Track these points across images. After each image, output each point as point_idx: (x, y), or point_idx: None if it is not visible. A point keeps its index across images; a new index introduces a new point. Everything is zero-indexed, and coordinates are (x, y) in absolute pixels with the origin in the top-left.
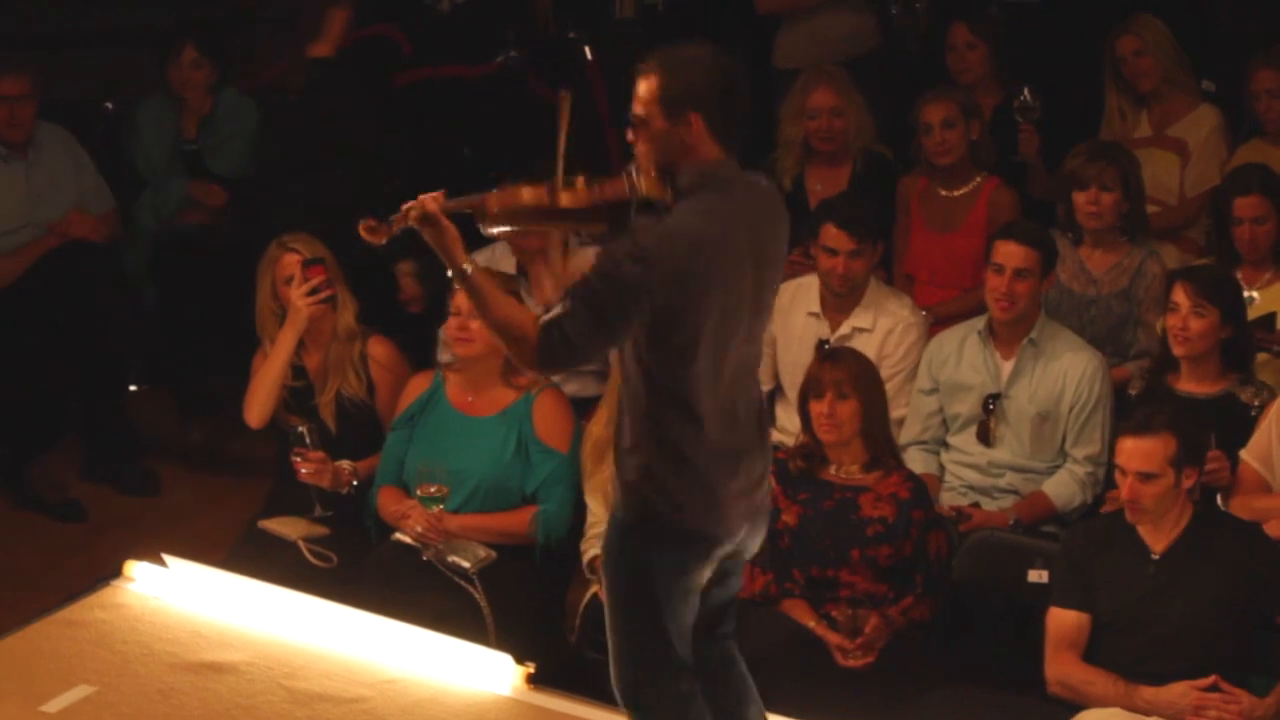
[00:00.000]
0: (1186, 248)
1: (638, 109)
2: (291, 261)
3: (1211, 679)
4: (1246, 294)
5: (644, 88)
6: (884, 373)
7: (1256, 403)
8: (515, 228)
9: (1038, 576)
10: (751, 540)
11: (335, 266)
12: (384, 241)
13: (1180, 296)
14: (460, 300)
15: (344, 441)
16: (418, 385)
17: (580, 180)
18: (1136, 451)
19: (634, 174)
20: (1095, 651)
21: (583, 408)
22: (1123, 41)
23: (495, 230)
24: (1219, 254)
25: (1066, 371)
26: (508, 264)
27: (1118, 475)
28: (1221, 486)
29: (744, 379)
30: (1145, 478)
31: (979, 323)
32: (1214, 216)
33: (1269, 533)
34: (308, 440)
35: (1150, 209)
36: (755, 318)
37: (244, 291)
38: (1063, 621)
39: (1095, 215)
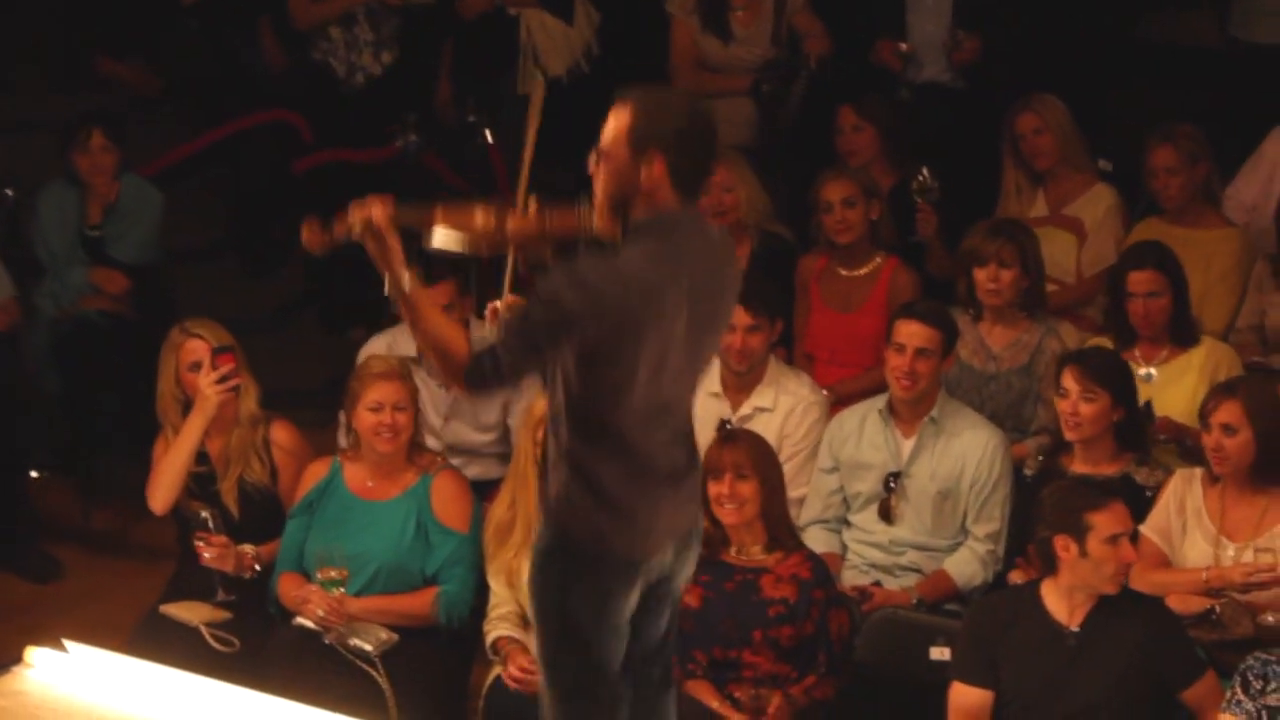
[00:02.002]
0: (1084, 325)
1: (605, 140)
2: (195, 348)
3: None
4: (1144, 371)
5: (614, 121)
6: (785, 452)
7: (1152, 483)
8: (457, 249)
9: (940, 654)
10: (681, 565)
11: (240, 352)
12: (321, 252)
13: (1070, 382)
14: (382, 393)
15: (246, 526)
16: (315, 472)
17: (533, 207)
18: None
19: (587, 210)
20: None
21: (485, 490)
22: (1023, 119)
23: (437, 248)
24: (1115, 331)
25: (967, 449)
26: (409, 347)
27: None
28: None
29: (672, 414)
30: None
31: (879, 401)
32: (1110, 293)
33: (1170, 606)
34: (210, 525)
35: (1048, 288)
36: (690, 360)
37: (145, 378)
38: (966, 698)
39: (995, 292)
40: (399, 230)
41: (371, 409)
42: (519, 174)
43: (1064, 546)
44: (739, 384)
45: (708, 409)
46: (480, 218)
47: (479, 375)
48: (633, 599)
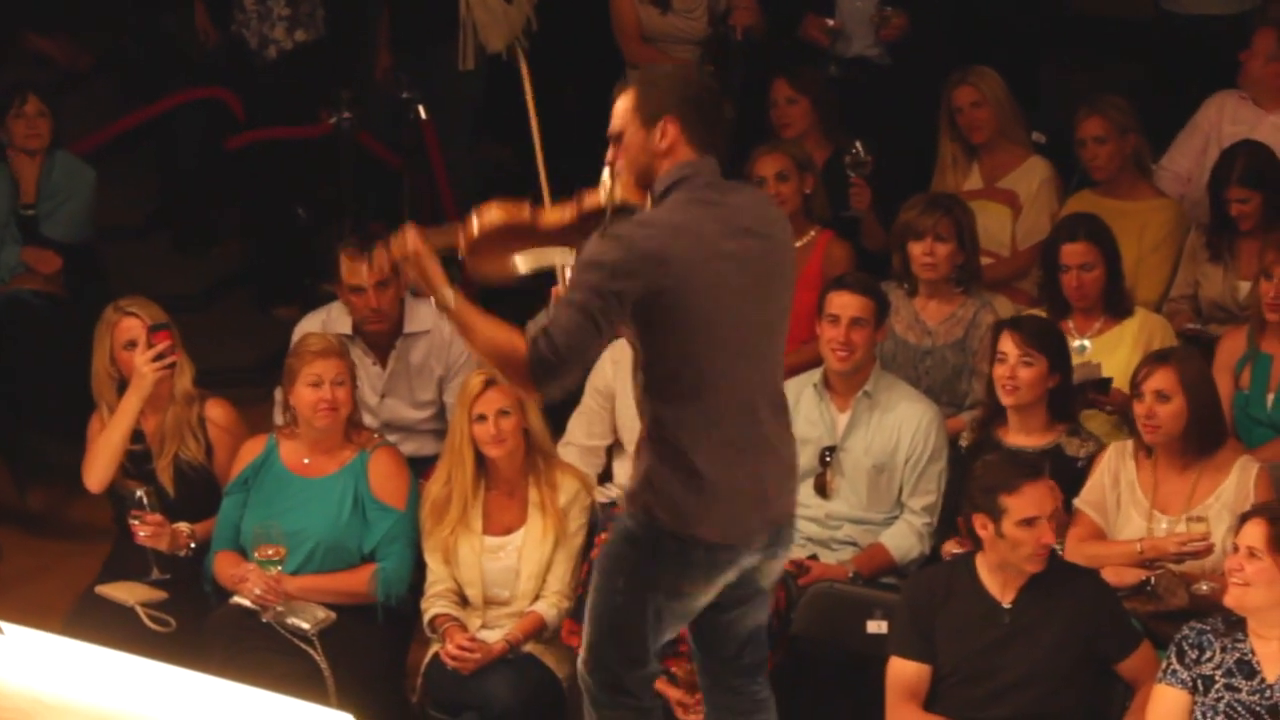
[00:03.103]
0: (1019, 299)
1: (615, 124)
2: (130, 326)
3: None
4: (1078, 343)
5: (621, 103)
6: None
7: (1083, 454)
8: (501, 257)
9: (877, 627)
10: (771, 561)
11: (176, 330)
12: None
13: (1008, 346)
14: (321, 369)
15: (182, 504)
16: (251, 450)
17: (564, 200)
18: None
19: (610, 182)
20: (936, 699)
21: (421, 467)
22: (960, 92)
23: (483, 266)
24: (1049, 303)
25: (902, 423)
26: (344, 324)
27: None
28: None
29: (757, 371)
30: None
31: (814, 375)
32: (1044, 265)
33: (1106, 579)
34: (145, 503)
35: (983, 261)
36: (762, 311)
37: (79, 357)
38: (903, 672)
39: (930, 266)
40: (436, 253)
41: (311, 384)
42: (536, 162)
43: (982, 525)
44: None
45: None
46: (514, 217)
47: (542, 365)
48: (713, 588)
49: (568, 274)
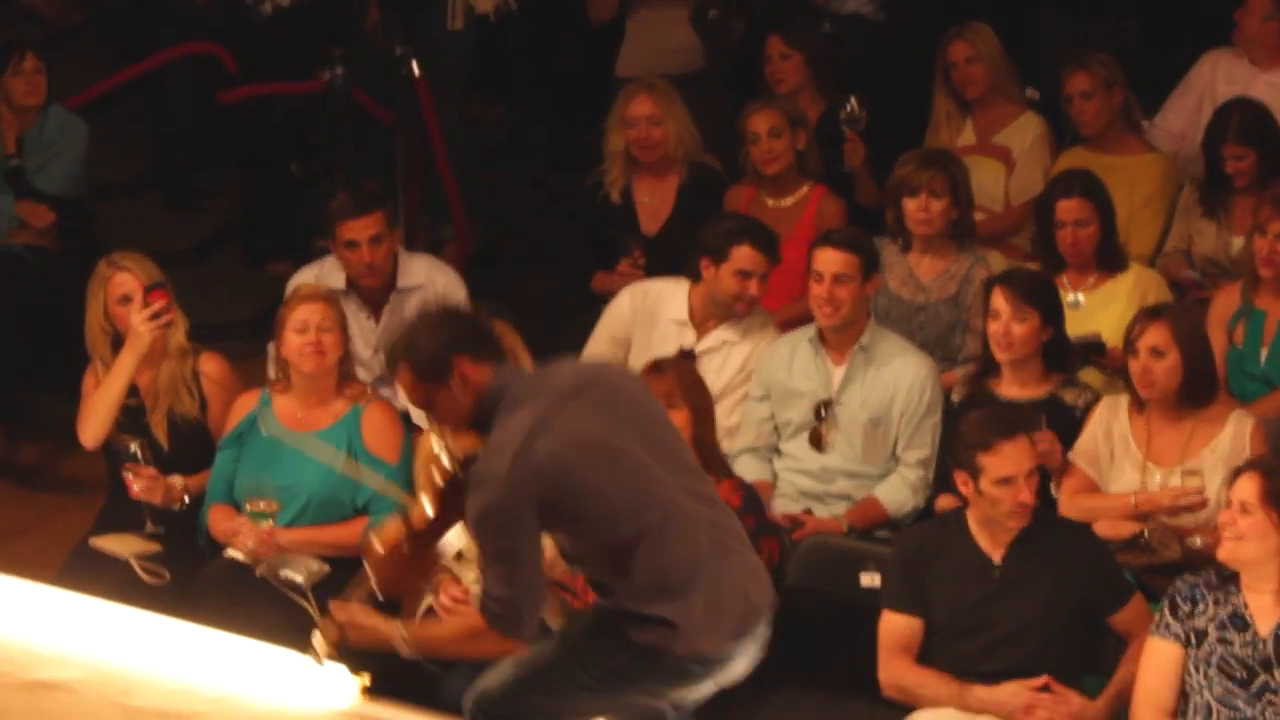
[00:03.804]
0: (1012, 254)
1: (415, 401)
2: (124, 281)
3: (1043, 679)
4: (1072, 298)
5: (404, 381)
6: (745, 389)
7: (1080, 404)
8: (407, 573)
9: (870, 580)
10: (740, 668)
11: (171, 288)
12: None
13: (1000, 302)
14: (306, 314)
15: (176, 458)
16: (245, 404)
17: (420, 498)
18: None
19: (446, 447)
20: (929, 653)
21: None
22: (955, 47)
23: (393, 592)
24: (1043, 258)
25: (897, 376)
26: (337, 279)
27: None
28: (1054, 468)
29: (676, 488)
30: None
31: (810, 330)
32: (1038, 221)
33: (1098, 532)
34: (139, 457)
35: (976, 216)
36: (642, 437)
37: (71, 311)
38: (895, 626)
39: (925, 222)
40: (357, 603)
41: (297, 330)
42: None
43: (963, 482)
44: (712, 315)
45: (668, 335)
46: (397, 539)
47: (505, 623)
48: (657, 701)
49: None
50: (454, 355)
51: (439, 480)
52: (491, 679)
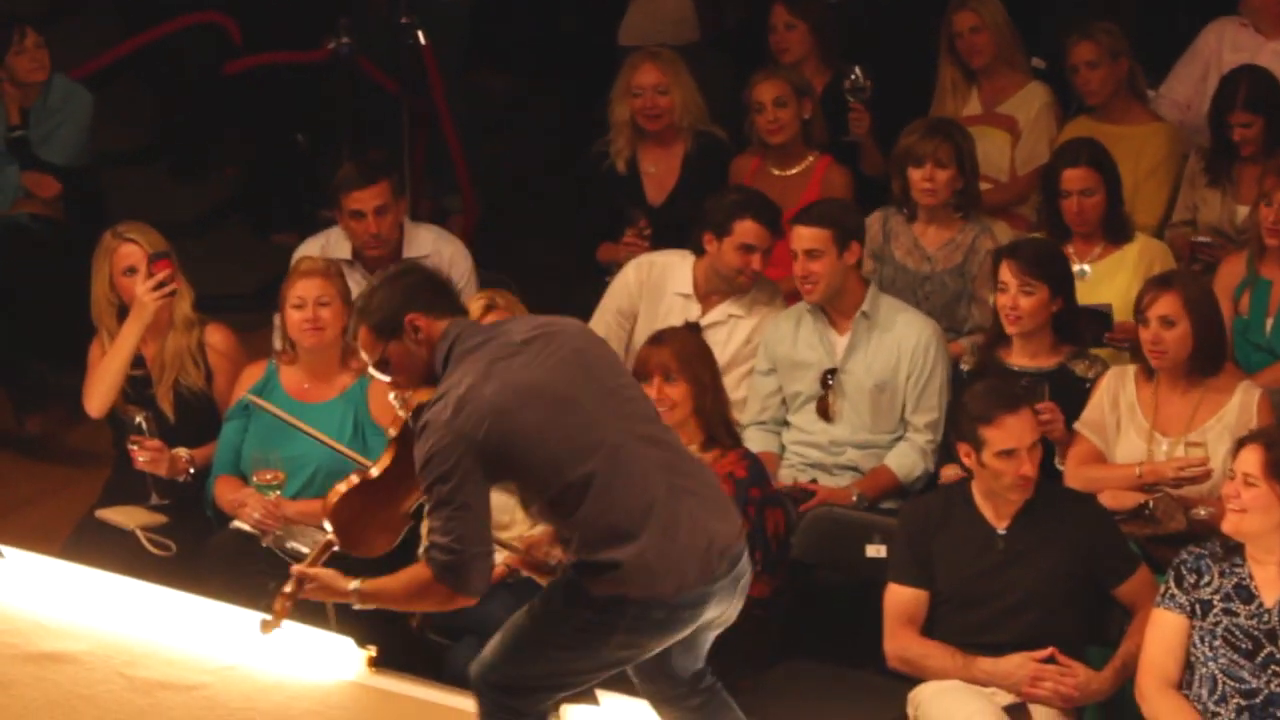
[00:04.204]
0: (1018, 224)
1: (371, 359)
2: (129, 252)
3: (1049, 651)
4: (1078, 268)
5: (360, 340)
6: (751, 363)
7: (1090, 375)
8: (370, 527)
9: (876, 551)
10: (720, 610)
11: (176, 258)
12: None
13: (1007, 275)
14: (304, 289)
15: (182, 430)
16: (251, 375)
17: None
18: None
19: (405, 398)
20: (935, 624)
21: None
22: (960, 16)
23: (367, 541)
24: (1049, 228)
25: (901, 340)
26: (343, 249)
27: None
28: (1056, 440)
29: (628, 437)
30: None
31: None
32: (1043, 190)
33: (1103, 503)
34: (144, 429)
35: (982, 186)
36: (591, 384)
37: (79, 282)
38: (900, 598)
39: (930, 191)
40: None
41: (295, 306)
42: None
43: (966, 454)
44: (716, 289)
45: (673, 308)
46: (351, 486)
47: (448, 571)
48: (665, 644)
49: None
50: (408, 311)
51: (392, 431)
52: (490, 648)
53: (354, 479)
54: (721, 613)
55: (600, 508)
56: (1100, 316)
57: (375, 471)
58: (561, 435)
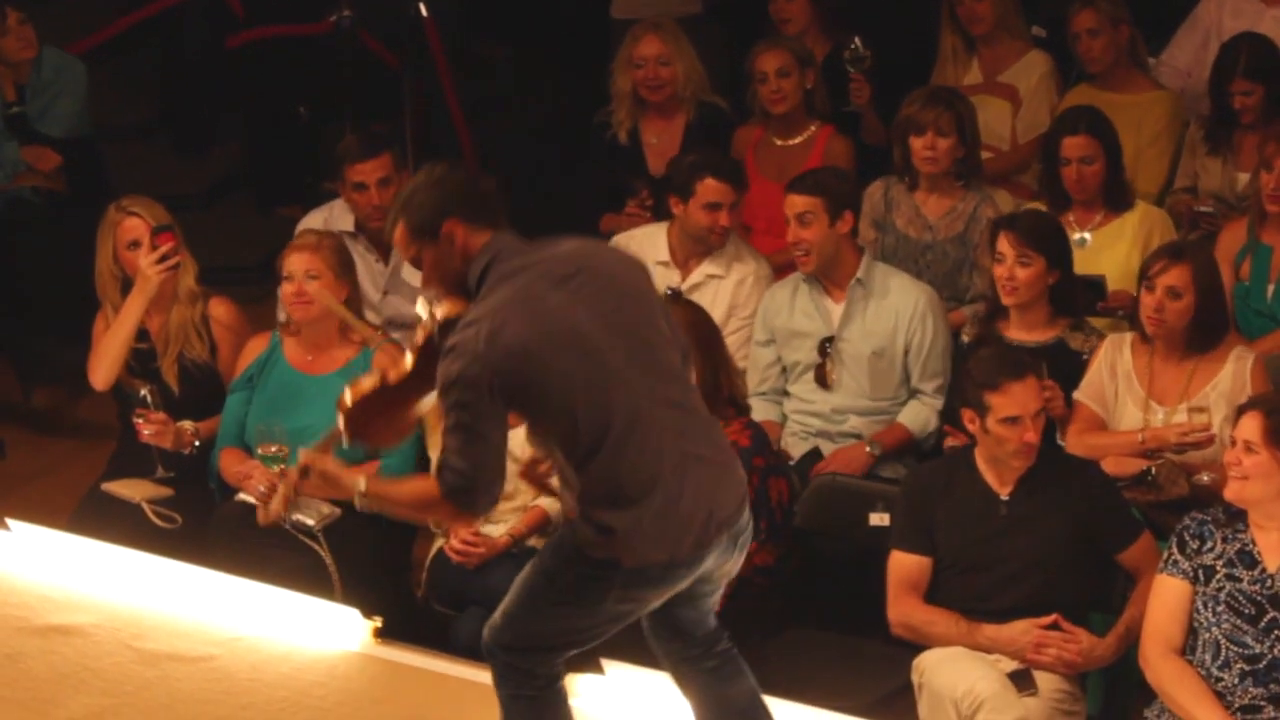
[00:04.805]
0: (1020, 193)
1: (406, 255)
2: (133, 225)
3: (1053, 618)
4: (1078, 236)
5: (397, 236)
6: (735, 324)
7: (1087, 348)
8: (388, 425)
9: (879, 520)
10: (726, 563)
11: (179, 231)
12: (283, 514)
13: (1004, 246)
14: (292, 264)
15: (186, 402)
16: (255, 347)
17: (395, 350)
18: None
19: (430, 306)
20: (938, 591)
21: None
22: None
23: (379, 439)
24: (1049, 197)
25: (898, 307)
26: (346, 221)
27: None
28: (1056, 417)
29: (649, 393)
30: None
31: None
32: (1044, 159)
33: (1106, 469)
34: (149, 402)
35: (983, 155)
36: (623, 335)
37: (82, 255)
38: (904, 565)
39: (931, 160)
40: (327, 451)
41: (286, 278)
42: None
43: (970, 419)
44: (691, 251)
45: (655, 279)
46: (368, 388)
47: (457, 494)
48: (662, 599)
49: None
50: (448, 217)
51: (419, 338)
52: (498, 610)
53: (372, 380)
54: (720, 566)
55: (607, 469)
56: (1094, 286)
57: (394, 376)
58: (586, 389)
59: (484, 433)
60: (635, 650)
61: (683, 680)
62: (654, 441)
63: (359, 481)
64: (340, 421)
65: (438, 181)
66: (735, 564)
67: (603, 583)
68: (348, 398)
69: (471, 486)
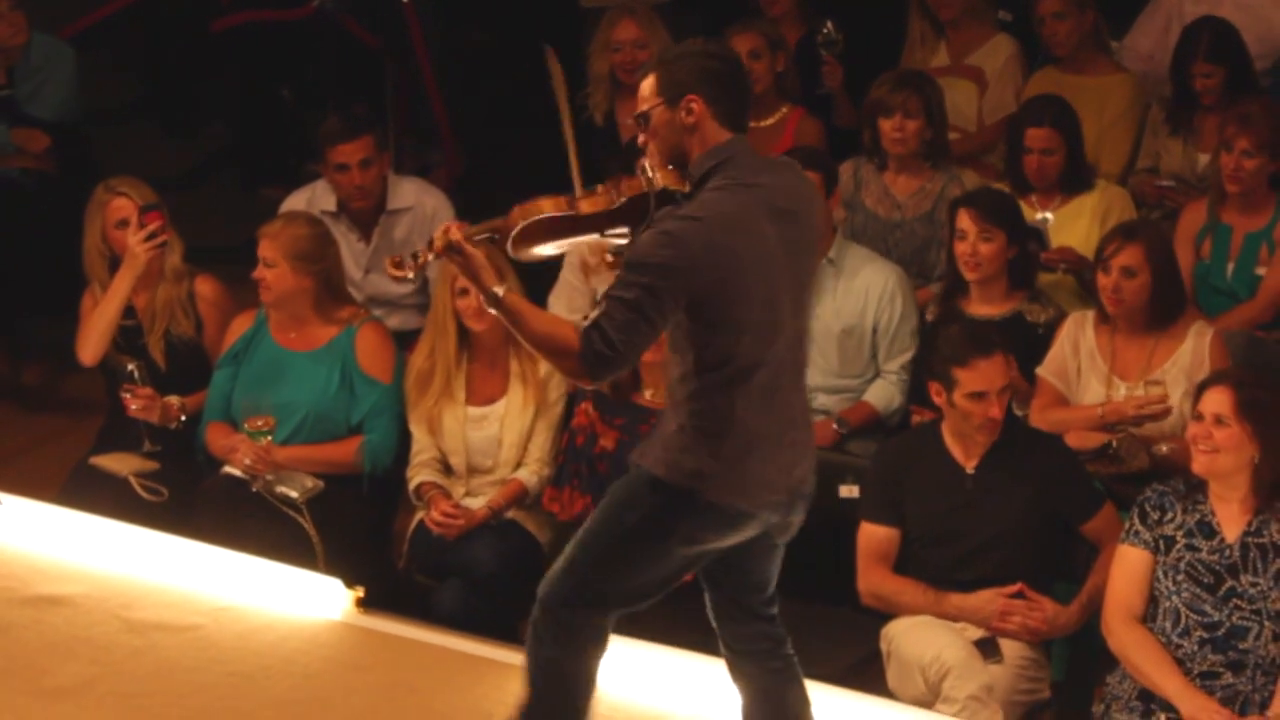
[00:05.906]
0: (986, 173)
1: (641, 107)
2: (121, 205)
3: (1017, 587)
4: (1041, 215)
5: (645, 86)
6: None
7: (1043, 320)
8: (543, 244)
9: (848, 491)
10: (790, 519)
11: (166, 210)
12: (412, 277)
13: (966, 223)
14: (263, 249)
15: (173, 378)
16: (241, 324)
17: (599, 186)
18: None
19: (649, 170)
20: (907, 562)
21: (405, 340)
22: None
23: (524, 252)
24: (1012, 179)
25: (868, 286)
26: (328, 201)
27: None
28: (1017, 394)
29: (790, 350)
30: None
31: None
32: (1008, 144)
33: (1069, 444)
34: (136, 377)
35: (950, 136)
36: (795, 291)
37: (71, 235)
38: (873, 536)
39: (900, 141)
40: (482, 242)
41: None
42: (567, 153)
43: (937, 393)
44: None
45: None
46: (552, 207)
47: (598, 359)
48: (722, 546)
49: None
50: (696, 91)
51: (632, 187)
52: (560, 561)
53: (554, 203)
54: (783, 518)
55: (733, 406)
56: (1035, 234)
57: (587, 207)
58: (757, 329)
59: (654, 321)
60: (658, 630)
61: (744, 675)
62: (781, 398)
63: (499, 288)
64: (517, 219)
65: (707, 57)
66: (798, 521)
67: (676, 514)
68: (542, 206)
69: (612, 360)
